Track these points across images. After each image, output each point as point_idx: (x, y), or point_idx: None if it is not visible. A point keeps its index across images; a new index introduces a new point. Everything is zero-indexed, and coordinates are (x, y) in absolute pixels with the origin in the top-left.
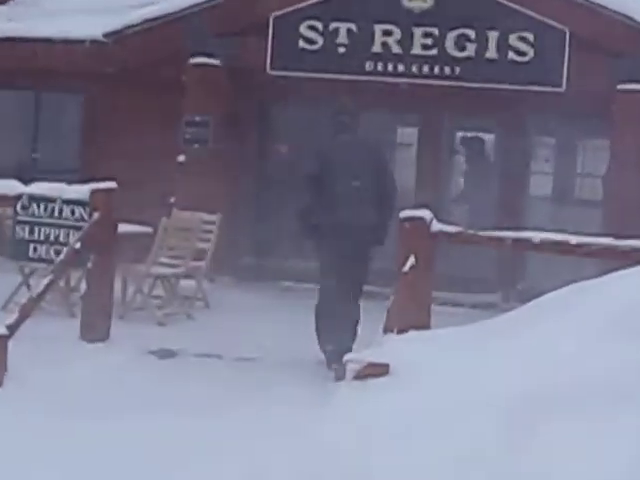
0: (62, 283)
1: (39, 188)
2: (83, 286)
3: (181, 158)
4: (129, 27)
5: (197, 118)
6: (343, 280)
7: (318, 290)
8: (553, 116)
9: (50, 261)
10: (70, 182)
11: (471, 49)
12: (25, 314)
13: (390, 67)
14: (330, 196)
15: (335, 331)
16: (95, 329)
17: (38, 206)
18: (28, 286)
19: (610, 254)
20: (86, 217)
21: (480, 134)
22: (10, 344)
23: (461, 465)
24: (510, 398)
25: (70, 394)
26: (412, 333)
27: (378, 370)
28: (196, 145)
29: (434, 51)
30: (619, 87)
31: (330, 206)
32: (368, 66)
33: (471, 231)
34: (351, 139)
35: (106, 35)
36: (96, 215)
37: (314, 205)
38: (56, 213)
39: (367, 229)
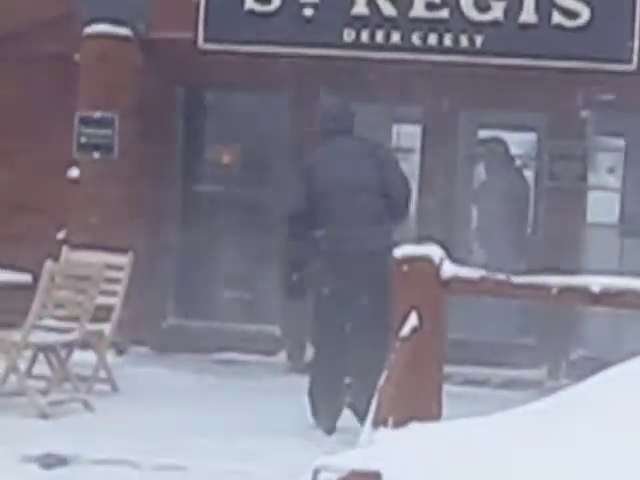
0: None
1: None
2: None
3: (74, 173)
4: None
5: (97, 114)
6: (347, 324)
7: (313, 343)
8: (620, 107)
9: None
10: None
11: (498, 10)
12: None
13: (379, 37)
14: (325, 223)
15: (337, 394)
16: None
17: None
18: None
19: None
20: None
21: (502, 134)
22: None
23: None
24: None
25: None
26: (414, 426)
27: None
28: (96, 154)
29: (444, 13)
30: None
31: (326, 236)
32: (347, 35)
33: (501, 276)
34: (344, 143)
35: None
36: None
37: (305, 249)
38: None
39: (379, 254)
